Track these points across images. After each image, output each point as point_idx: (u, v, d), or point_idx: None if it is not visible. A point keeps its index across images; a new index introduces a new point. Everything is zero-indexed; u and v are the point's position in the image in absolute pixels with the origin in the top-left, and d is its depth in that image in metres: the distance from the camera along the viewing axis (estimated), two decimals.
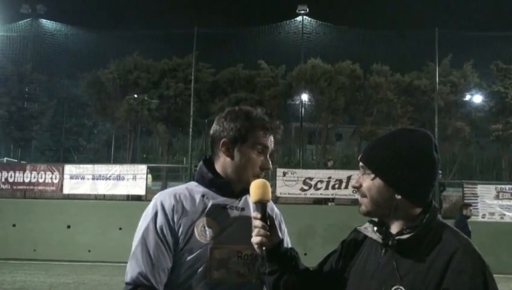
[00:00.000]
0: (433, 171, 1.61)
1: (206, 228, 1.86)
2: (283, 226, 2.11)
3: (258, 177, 1.89)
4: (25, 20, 27.37)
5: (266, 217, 1.76)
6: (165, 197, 1.92)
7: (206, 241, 1.84)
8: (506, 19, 34.76)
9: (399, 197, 1.58)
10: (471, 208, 11.93)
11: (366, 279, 1.62)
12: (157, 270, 1.79)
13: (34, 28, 27.54)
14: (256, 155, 1.92)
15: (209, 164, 2.01)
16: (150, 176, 21.52)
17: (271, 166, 1.99)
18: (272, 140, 1.98)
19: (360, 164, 1.68)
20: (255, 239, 1.73)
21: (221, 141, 1.94)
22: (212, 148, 2.01)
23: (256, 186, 1.79)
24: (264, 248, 1.72)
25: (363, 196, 1.65)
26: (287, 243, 2.05)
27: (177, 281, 1.83)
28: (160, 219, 1.85)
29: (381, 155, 1.61)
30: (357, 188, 1.68)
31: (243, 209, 1.94)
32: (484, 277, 1.44)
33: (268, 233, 1.73)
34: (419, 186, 1.60)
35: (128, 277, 1.80)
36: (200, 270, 1.82)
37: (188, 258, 1.83)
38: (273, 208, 2.08)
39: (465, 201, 14.47)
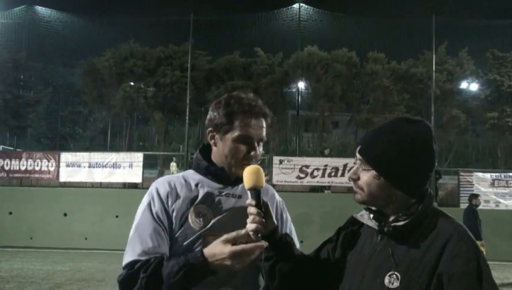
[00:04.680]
0: (432, 163, 1.61)
1: (200, 215, 1.86)
2: (285, 215, 2.09)
3: (244, 166, 1.87)
4: (20, 7, 27.16)
5: (261, 204, 1.74)
6: (160, 184, 1.94)
7: (199, 229, 1.84)
8: (502, 7, 34.70)
9: (399, 192, 1.59)
10: (480, 198, 12.18)
11: (362, 265, 1.63)
12: (155, 253, 1.78)
13: (29, 15, 27.33)
14: (239, 144, 1.89)
15: (206, 151, 2.02)
16: (174, 164, 21.39)
17: (258, 154, 1.93)
18: (259, 125, 1.93)
19: (358, 156, 1.65)
20: (251, 226, 1.71)
21: (207, 130, 1.97)
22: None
23: (249, 173, 1.76)
24: (259, 235, 1.73)
25: (360, 188, 1.65)
26: (291, 231, 2.05)
27: None
28: (156, 205, 1.86)
29: (383, 152, 1.58)
30: (354, 180, 1.67)
31: (240, 196, 1.93)
32: (478, 261, 1.45)
33: (264, 220, 1.72)
34: (419, 179, 1.60)
35: (124, 263, 1.80)
36: None
37: (182, 245, 1.83)
38: (274, 195, 2.08)
39: (474, 192, 14.56)
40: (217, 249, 1.66)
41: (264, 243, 1.66)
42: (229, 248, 1.64)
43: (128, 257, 1.79)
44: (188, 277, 1.68)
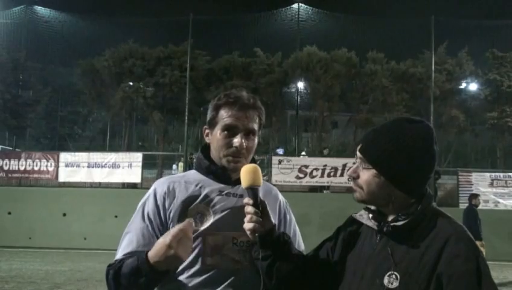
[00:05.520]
0: (432, 164, 1.60)
1: (200, 215, 1.86)
2: (289, 216, 2.07)
3: (230, 157, 1.88)
4: (19, 7, 27.13)
5: (258, 203, 1.74)
6: (159, 184, 1.94)
7: (199, 228, 1.84)
8: (502, 7, 34.74)
9: (398, 191, 1.59)
10: (480, 197, 12.19)
11: (361, 265, 1.63)
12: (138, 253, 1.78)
13: (28, 15, 27.30)
14: (224, 136, 1.89)
15: (208, 151, 2.02)
16: (182, 164, 21.30)
17: (244, 144, 1.89)
18: (246, 115, 1.90)
19: (359, 154, 1.65)
20: (247, 225, 1.72)
21: (203, 129, 2.00)
22: None
23: (246, 172, 1.76)
24: (256, 234, 1.72)
25: (359, 187, 1.64)
26: (295, 232, 2.04)
27: None
28: (149, 206, 1.88)
29: (384, 151, 1.58)
30: (353, 179, 1.67)
31: (241, 196, 1.92)
32: (477, 261, 1.45)
33: (261, 219, 1.72)
34: (418, 180, 1.60)
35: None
36: (193, 256, 1.81)
37: None
38: (277, 196, 2.07)
39: (474, 192, 14.57)
40: (157, 245, 1.66)
41: (191, 220, 1.70)
42: (167, 237, 1.64)
43: (116, 256, 1.83)
44: (138, 278, 1.68)
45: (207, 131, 1.97)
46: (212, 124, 1.93)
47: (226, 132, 1.89)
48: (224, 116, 1.89)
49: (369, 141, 1.65)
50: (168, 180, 1.96)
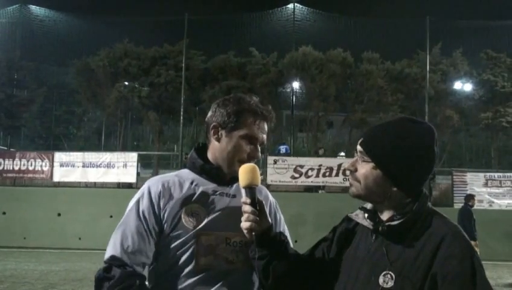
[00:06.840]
0: (431, 165, 1.61)
1: (194, 215, 1.87)
2: (279, 215, 2.10)
3: (241, 163, 1.88)
4: (14, 6, 27.00)
5: (256, 202, 1.75)
6: (153, 183, 1.94)
7: (193, 228, 1.85)
8: (496, 8, 34.85)
9: (395, 189, 1.59)
10: (475, 198, 12.29)
11: (356, 264, 1.64)
12: (133, 252, 1.80)
13: (23, 14, 27.18)
14: (244, 143, 1.91)
15: (201, 151, 2.02)
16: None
17: (259, 155, 1.96)
18: (265, 128, 1.96)
19: (359, 148, 1.65)
20: (245, 224, 1.73)
21: (211, 125, 1.96)
22: (206, 134, 2.01)
23: (245, 171, 1.78)
24: (253, 233, 1.73)
25: (357, 180, 1.65)
26: (284, 232, 2.05)
27: (165, 266, 1.85)
28: (143, 204, 1.88)
29: (384, 146, 1.58)
30: (351, 172, 1.67)
31: (234, 196, 1.94)
32: (472, 261, 1.45)
33: (258, 218, 1.73)
34: (417, 180, 1.60)
35: (105, 257, 1.83)
36: (187, 256, 1.83)
37: (175, 243, 1.84)
38: (267, 196, 2.08)
39: (469, 192, 14.61)
40: None
41: None
42: None
43: (108, 251, 1.83)
44: None
45: (217, 129, 1.95)
46: (230, 127, 1.92)
47: (247, 140, 1.91)
48: (248, 124, 1.91)
49: (371, 136, 1.66)
50: (161, 179, 1.95)
